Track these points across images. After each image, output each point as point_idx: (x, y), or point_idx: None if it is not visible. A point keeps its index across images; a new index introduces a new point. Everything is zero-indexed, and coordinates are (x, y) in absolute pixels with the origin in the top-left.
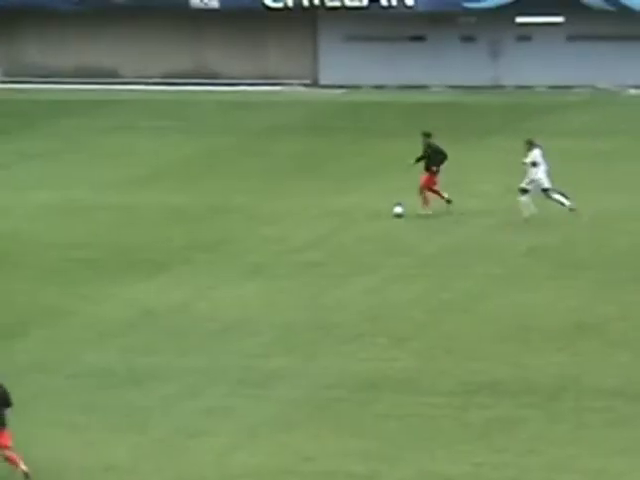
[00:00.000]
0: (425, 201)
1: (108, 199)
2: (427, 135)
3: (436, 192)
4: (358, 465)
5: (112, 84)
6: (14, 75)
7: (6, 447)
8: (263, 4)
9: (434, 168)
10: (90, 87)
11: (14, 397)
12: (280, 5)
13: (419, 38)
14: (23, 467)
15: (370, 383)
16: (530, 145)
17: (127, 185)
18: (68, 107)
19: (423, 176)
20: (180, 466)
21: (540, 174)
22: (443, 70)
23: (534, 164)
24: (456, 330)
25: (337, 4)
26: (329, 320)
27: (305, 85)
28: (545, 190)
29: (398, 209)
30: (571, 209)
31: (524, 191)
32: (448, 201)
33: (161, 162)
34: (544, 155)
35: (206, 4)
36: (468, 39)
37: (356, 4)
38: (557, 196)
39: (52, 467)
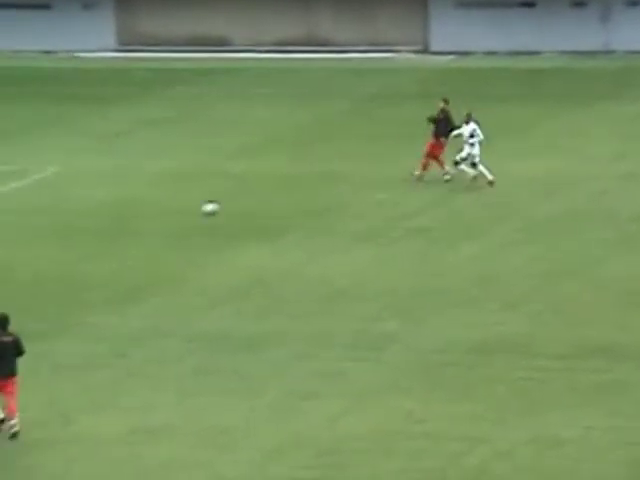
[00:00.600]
0: (424, 167)
1: (223, 166)
2: (446, 101)
3: (440, 162)
4: (468, 427)
5: (225, 52)
6: (129, 44)
7: (10, 406)
8: None
9: (442, 138)
10: (203, 55)
11: (130, 361)
12: None
13: (529, 4)
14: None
15: (480, 347)
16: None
17: (241, 152)
18: (182, 75)
19: (430, 143)
20: (293, 428)
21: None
22: (554, 36)
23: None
24: (568, 295)
25: None
26: (439, 285)
27: (415, 52)
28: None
29: (209, 207)
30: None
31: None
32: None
33: (274, 130)
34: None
35: None
36: (578, 4)
37: None
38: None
39: (168, 430)
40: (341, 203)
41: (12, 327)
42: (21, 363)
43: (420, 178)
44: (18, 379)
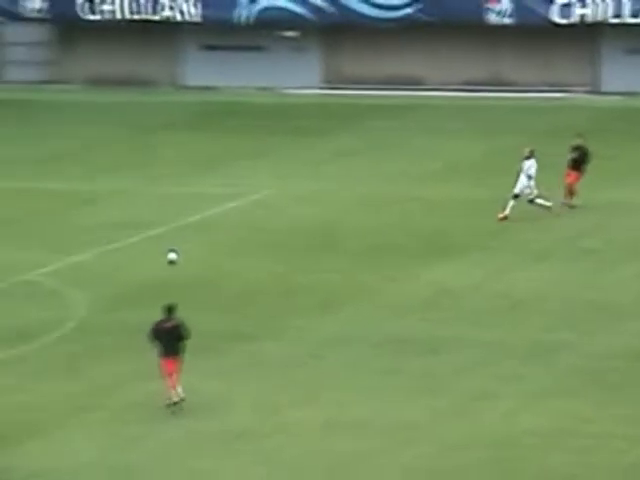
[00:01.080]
0: (570, 194)
1: (413, 192)
2: (581, 136)
3: (573, 192)
4: (632, 429)
5: (418, 90)
6: (333, 82)
7: (170, 374)
8: (551, 21)
9: (583, 167)
10: (399, 93)
11: (326, 362)
12: (566, 22)
13: None
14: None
15: None
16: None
17: (429, 180)
18: (379, 111)
19: (572, 173)
20: (471, 424)
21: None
22: None
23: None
24: None
25: (618, 21)
26: (607, 300)
27: (587, 92)
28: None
29: (172, 255)
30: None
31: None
32: (571, 207)
33: (457, 159)
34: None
35: (501, 20)
36: None
37: (635, 21)
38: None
39: (358, 424)
40: (516, 226)
41: (226, 328)
42: (234, 361)
43: (571, 205)
44: (181, 360)
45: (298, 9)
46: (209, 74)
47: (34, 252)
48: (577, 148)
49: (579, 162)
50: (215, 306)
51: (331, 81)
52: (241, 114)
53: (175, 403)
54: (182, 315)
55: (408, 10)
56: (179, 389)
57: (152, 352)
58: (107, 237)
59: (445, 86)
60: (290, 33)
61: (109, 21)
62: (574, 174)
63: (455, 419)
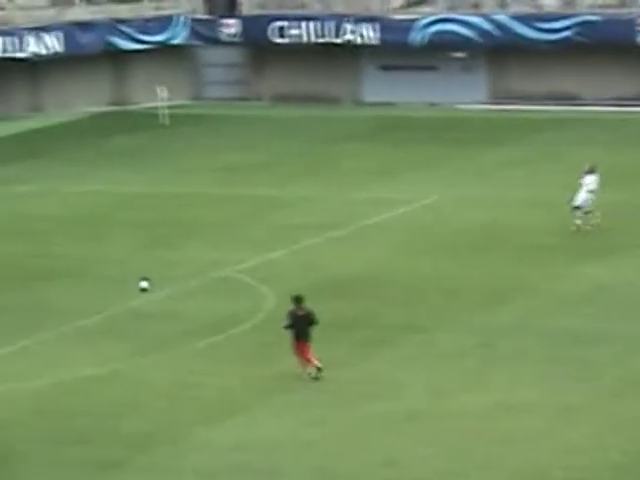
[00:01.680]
0: None
1: (567, 197)
2: None
3: None
4: None
5: (574, 105)
6: (497, 98)
7: (306, 358)
8: None
9: None
10: (557, 108)
11: (494, 351)
12: None
13: None
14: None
15: None
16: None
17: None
18: (540, 124)
19: None
20: (629, 408)
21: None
22: None
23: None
24: None
25: None
26: None
27: None
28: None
29: (143, 284)
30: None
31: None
32: None
33: (610, 168)
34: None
35: None
36: None
37: None
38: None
39: (524, 406)
40: None
41: (401, 321)
42: (407, 349)
43: None
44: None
45: (467, 32)
46: (386, 91)
47: (232, 251)
48: None
49: None
50: (391, 301)
51: (496, 97)
52: (414, 127)
53: (318, 370)
54: (363, 309)
55: (567, 33)
56: (315, 361)
57: (342, 342)
58: (296, 238)
59: (599, 101)
60: (459, 54)
61: (296, 44)
62: None
63: (613, 403)
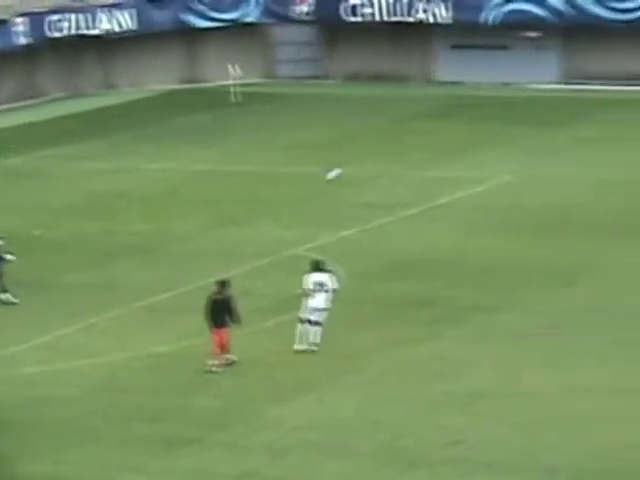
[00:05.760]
0: None
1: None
2: None
3: None
4: None
5: None
6: (570, 78)
7: (220, 346)
8: None
9: None
10: (630, 88)
11: (561, 332)
12: None
13: None
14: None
15: None
16: None
17: None
18: (612, 104)
19: None
20: None
21: None
22: None
23: None
24: None
25: None
26: None
27: None
28: None
29: (333, 173)
30: None
31: None
32: None
33: None
34: None
35: None
36: None
37: None
38: None
39: (591, 388)
40: None
41: (468, 301)
42: (475, 329)
43: None
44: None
45: (540, 11)
46: (457, 70)
47: (302, 229)
48: None
49: None
50: (460, 280)
51: (568, 77)
52: (486, 106)
53: (229, 364)
54: (432, 288)
55: (639, 13)
56: (229, 356)
57: (412, 320)
58: (366, 217)
59: None
60: (532, 33)
61: (368, 23)
62: None
63: None
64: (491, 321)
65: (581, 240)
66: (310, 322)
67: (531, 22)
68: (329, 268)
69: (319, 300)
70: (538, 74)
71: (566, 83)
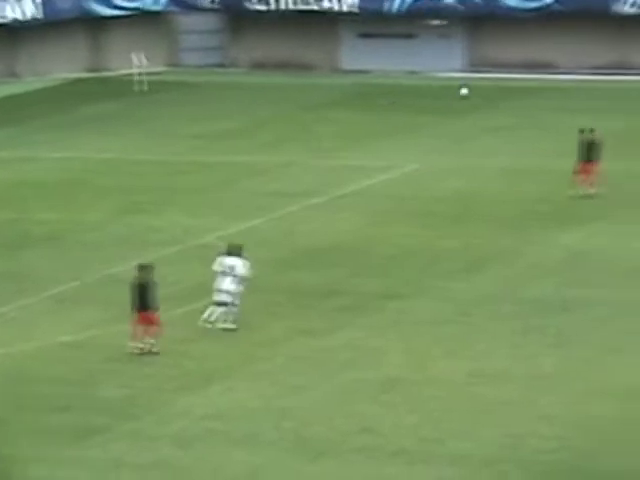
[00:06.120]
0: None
1: (548, 165)
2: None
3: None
4: None
5: (551, 74)
6: (476, 66)
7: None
8: None
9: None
10: (534, 76)
11: (472, 319)
12: None
13: None
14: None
15: None
16: None
17: (563, 154)
18: (517, 92)
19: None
20: (600, 377)
21: None
22: None
23: None
24: None
25: None
26: None
27: None
28: None
29: (464, 90)
30: None
31: None
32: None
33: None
34: None
35: (628, 10)
36: None
37: None
38: None
39: (500, 375)
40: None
41: (379, 289)
42: (384, 317)
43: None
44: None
45: (445, 0)
46: (363, 59)
47: (211, 218)
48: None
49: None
50: (369, 269)
51: (474, 65)
52: (392, 95)
53: (141, 350)
54: (340, 276)
55: (545, 1)
56: (150, 340)
57: (319, 310)
58: (274, 205)
59: (576, 70)
60: (437, 22)
61: (274, 11)
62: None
63: (586, 371)
64: (400, 309)
65: (488, 228)
66: (218, 304)
67: (437, 11)
68: (244, 255)
69: (227, 282)
70: (444, 62)
71: (471, 71)
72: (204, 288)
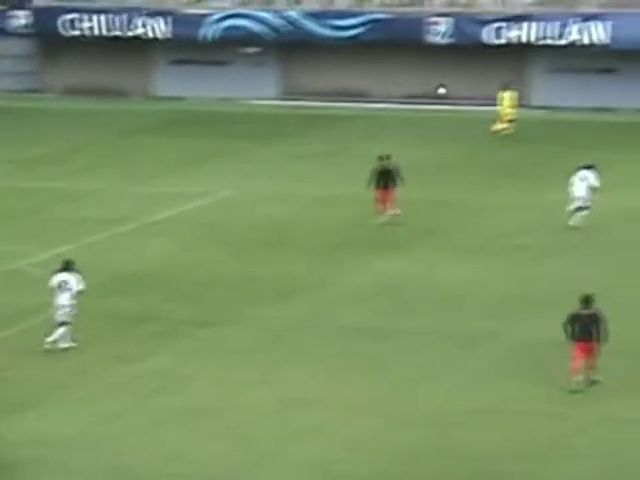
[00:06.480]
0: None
1: (362, 192)
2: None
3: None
4: (551, 407)
5: (364, 102)
6: (289, 94)
7: None
8: (483, 42)
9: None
10: (347, 105)
11: (287, 346)
12: (498, 42)
13: (611, 70)
14: None
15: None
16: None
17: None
18: (331, 120)
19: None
20: (410, 404)
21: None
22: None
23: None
24: (621, 301)
25: (543, 43)
26: (529, 293)
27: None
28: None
29: (441, 90)
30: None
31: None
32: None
33: (401, 164)
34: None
35: (440, 41)
36: None
37: (559, 43)
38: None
39: (313, 401)
40: (457, 224)
41: (190, 316)
42: (196, 344)
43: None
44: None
45: (258, 28)
46: (177, 86)
47: (22, 244)
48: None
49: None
50: (181, 295)
51: (287, 93)
52: (206, 121)
53: None
54: (153, 303)
55: (357, 30)
56: None
57: (132, 336)
58: (86, 232)
59: (388, 99)
60: (250, 50)
61: (87, 37)
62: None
63: (397, 398)
64: (212, 336)
65: (302, 255)
66: (60, 324)
67: (249, 38)
68: (76, 269)
69: (63, 298)
70: (257, 90)
71: (284, 99)
72: (16, 314)
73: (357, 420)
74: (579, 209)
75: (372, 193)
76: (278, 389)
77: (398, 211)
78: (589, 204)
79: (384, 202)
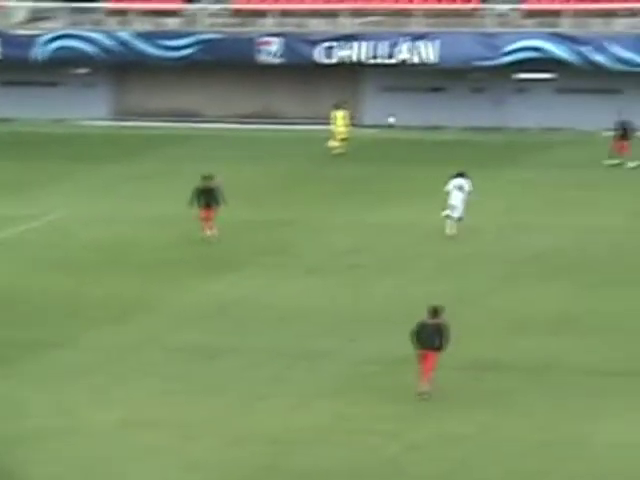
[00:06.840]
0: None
1: (190, 212)
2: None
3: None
4: (386, 425)
5: (197, 122)
6: (122, 114)
7: None
8: (315, 61)
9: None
10: (180, 125)
11: (121, 367)
12: (329, 61)
13: (439, 89)
14: None
15: (402, 360)
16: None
17: None
18: (162, 140)
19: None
20: (247, 422)
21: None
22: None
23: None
24: (466, 319)
25: (374, 62)
26: (368, 309)
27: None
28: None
29: (391, 119)
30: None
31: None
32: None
33: (233, 184)
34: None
35: (271, 60)
36: (477, 90)
37: (389, 62)
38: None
39: (149, 422)
40: (291, 243)
41: (23, 339)
42: (31, 367)
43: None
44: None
45: (88, 48)
46: (7, 107)
47: None
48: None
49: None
50: (14, 319)
51: (118, 114)
52: (37, 143)
53: None
54: None
55: (188, 51)
56: None
57: None
58: None
59: (221, 119)
60: (81, 70)
61: None
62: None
63: (233, 418)
64: (48, 358)
65: (134, 276)
66: None
67: (80, 59)
68: None
69: None
70: (89, 111)
71: (116, 120)
72: None
73: (195, 441)
74: (449, 217)
75: (195, 212)
76: (115, 411)
77: (215, 232)
78: (462, 215)
79: (207, 220)
